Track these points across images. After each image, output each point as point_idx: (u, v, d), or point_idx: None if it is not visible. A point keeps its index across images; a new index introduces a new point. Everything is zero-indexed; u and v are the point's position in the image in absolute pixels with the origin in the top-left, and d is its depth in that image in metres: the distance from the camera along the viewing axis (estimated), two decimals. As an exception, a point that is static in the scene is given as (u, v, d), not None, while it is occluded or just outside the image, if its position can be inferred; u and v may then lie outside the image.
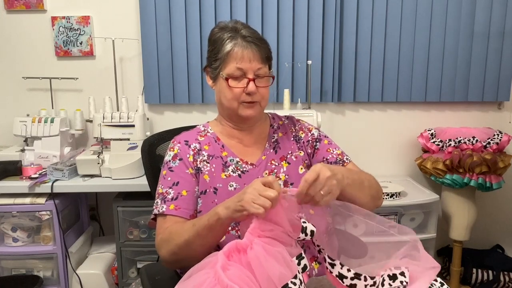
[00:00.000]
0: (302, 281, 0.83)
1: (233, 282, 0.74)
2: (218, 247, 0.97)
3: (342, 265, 0.88)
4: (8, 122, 2.14)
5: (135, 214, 1.91)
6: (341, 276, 0.88)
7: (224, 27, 1.12)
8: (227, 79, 1.09)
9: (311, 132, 1.25)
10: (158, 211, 1.07)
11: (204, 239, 0.95)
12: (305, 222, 0.88)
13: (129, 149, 1.97)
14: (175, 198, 1.07)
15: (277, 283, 0.78)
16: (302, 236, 0.88)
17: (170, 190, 1.08)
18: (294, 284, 0.80)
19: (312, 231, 0.87)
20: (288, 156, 1.19)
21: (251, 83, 1.08)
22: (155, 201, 1.10)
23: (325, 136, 1.25)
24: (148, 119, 2.15)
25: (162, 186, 1.10)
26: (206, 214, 0.96)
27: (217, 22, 2.12)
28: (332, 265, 0.89)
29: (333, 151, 1.21)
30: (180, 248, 0.98)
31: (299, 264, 0.86)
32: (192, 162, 1.12)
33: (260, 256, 0.80)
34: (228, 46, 1.08)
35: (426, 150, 2.19)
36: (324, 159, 1.20)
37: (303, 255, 0.88)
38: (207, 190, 1.09)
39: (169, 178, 1.10)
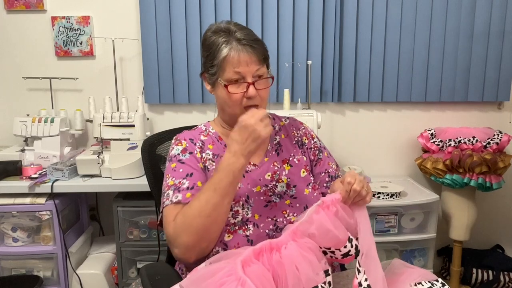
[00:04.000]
0: None
1: (249, 278, 0.74)
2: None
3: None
4: (8, 122, 2.15)
5: (135, 214, 1.91)
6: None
7: (217, 30, 1.09)
8: (226, 86, 1.06)
9: (314, 140, 1.26)
10: (171, 201, 1.03)
11: (228, 198, 0.99)
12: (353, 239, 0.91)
13: (129, 149, 1.97)
14: (191, 188, 1.05)
15: (305, 284, 0.80)
16: (348, 246, 0.90)
17: (184, 180, 1.06)
18: None
19: (358, 251, 0.90)
20: (290, 159, 1.19)
21: (251, 87, 1.06)
22: (165, 193, 1.06)
23: (324, 148, 1.28)
24: (148, 119, 2.15)
25: (174, 178, 1.07)
26: (221, 174, 0.98)
27: (217, 22, 2.13)
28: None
29: (332, 165, 1.25)
30: (209, 218, 0.97)
31: None
32: (200, 158, 1.12)
33: (294, 256, 0.82)
34: (224, 51, 1.05)
35: (426, 150, 2.19)
36: (326, 171, 1.22)
37: (329, 272, 0.88)
38: None
39: (181, 170, 1.08)
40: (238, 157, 0.97)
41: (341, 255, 0.92)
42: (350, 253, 0.92)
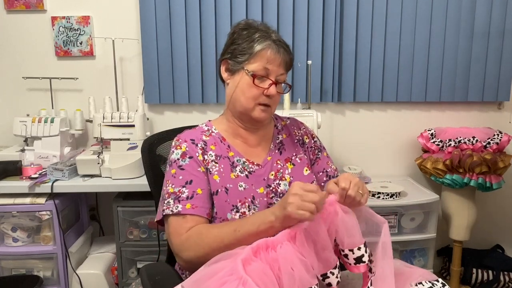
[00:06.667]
0: None
1: (250, 277, 0.74)
2: None
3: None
4: (8, 122, 2.14)
5: (135, 214, 1.91)
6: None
7: (252, 25, 1.13)
8: (254, 76, 1.08)
9: (314, 140, 1.28)
10: (172, 211, 1.03)
11: (247, 243, 0.93)
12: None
13: (129, 149, 1.97)
14: (191, 197, 1.04)
15: (298, 284, 0.80)
16: (362, 249, 0.90)
17: (183, 189, 1.05)
18: None
19: (371, 260, 0.89)
20: (293, 158, 1.20)
21: (273, 86, 1.09)
22: (165, 201, 1.06)
23: (323, 148, 1.29)
24: (148, 119, 2.15)
25: (173, 185, 1.07)
26: (252, 220, 0.94)
27: (217, 22, 2.13)
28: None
29: (331, 165, 1.26)
30: (215, 251, 0.95)
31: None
32: (202, 161, 1.10)
33: (289, 256, 0.81)
34: (261, 45, 1.08)
35: (426, 150, 2.19)
36: (324, 170, 1.24)
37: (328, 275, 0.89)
38: (219, 190, 1.08)
39: (180, 177, 1.07)
40: (271, 213, 0.92)
41: (354, 259, 0.91)
42: (363, 259, 0.91)
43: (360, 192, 0.93)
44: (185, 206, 1.03)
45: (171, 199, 1.05)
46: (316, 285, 0.83)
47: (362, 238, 0.93)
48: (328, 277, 0.87)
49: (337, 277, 0.88)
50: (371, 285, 0.91)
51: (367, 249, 0.93)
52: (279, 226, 0.90)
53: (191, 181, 1.07)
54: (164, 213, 1.06)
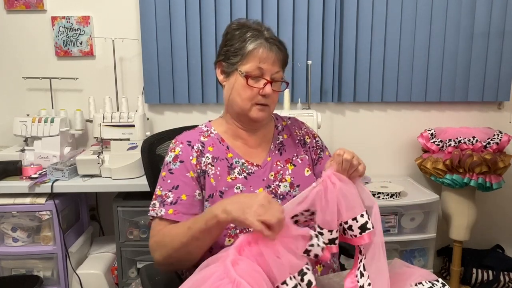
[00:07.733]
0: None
1: (242, 277, 0.74)
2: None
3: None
4: (8, 122, 2.15)
5: (135, 214, 1.91)
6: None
7: (245, 25, 1.11)
8: (246, 77, 1.07)
9: (316, 139, 1.27)
10: (157, 214, 1.04)
11: (201, 241, 0.93)
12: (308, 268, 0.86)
13: (129, 149, 1.97)
14: (174, 203, 1.04)
15: (289, 269, 0.79)
16: (365, 216, 0.88)
17: (169, 193, 1.05)
18: (308, 269, 0.81)
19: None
20: (294, 158, 1.19)
21: (268, 86, 1.08)
22: (152, 202, 1.07)
23: (325, 147, 1.28)
24: (148, 119, 2.15)
25: (162, 188, 1.07)
26: (201, 216, 0.93)
27: (217, 22, 2.14)
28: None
29: None
30: (176, 251, 0.96)
31: (302, 280, 0.85)
32: (195, 165, 1.09)
33: (270, 245, 0.80)
34: (252, 45, 1.07)
35: (426, 150, 2.19)
36: None
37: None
38: (214, 194, 1.07)
39: (168, 181, 1.07)
40: (218, 208, 0.89)
41: (359, 228, 0.88)
42: (368, 226, 0.88)
43: (356, 158, 0.92)
44: (168, 211, 1.03)
45: (157, 201, 1.06)
46: (307, 263, 0.82)
47: (363, 206, 0.90)
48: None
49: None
50: (364, 269, 0.90)
51: (369, 216, 0.90)
52: (226, 222, 0.88)
53: (177, 186, 1.06)
54: (149, 214, 1.07)
